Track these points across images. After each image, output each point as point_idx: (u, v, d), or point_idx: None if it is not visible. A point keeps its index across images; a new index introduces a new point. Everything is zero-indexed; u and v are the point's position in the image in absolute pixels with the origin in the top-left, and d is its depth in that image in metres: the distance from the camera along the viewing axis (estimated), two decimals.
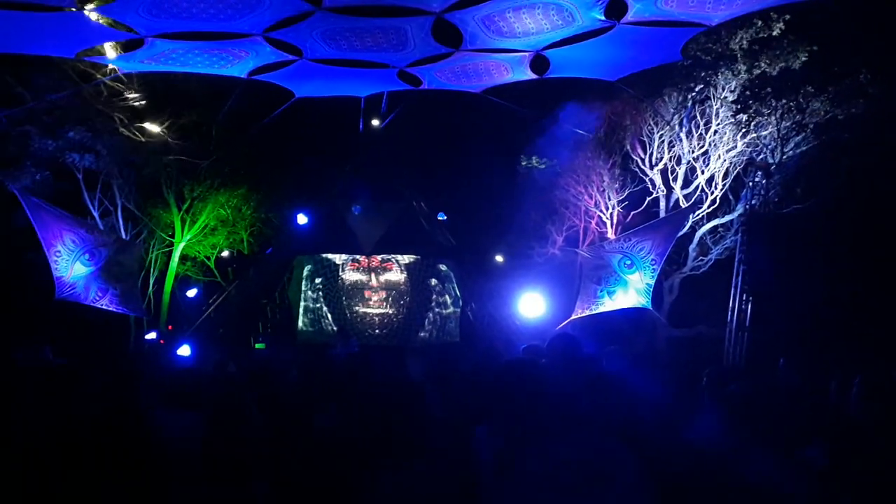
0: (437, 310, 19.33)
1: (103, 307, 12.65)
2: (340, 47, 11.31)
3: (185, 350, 12.76)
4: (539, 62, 12.14)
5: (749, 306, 13.89)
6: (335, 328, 18.80)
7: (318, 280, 19.55)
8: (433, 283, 19.40)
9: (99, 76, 14.08)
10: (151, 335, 15.67)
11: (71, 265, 12.05)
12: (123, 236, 16.06)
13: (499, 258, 18.81)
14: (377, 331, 19.19)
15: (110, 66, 12.96)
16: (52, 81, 14.17)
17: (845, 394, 5.47)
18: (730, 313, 14.13)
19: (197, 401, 5.12)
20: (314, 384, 6.71)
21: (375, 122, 18.62)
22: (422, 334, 18.78)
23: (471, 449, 3.90)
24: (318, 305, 19.47)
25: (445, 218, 19.70)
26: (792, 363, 8.32)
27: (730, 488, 3.56)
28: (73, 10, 9.35)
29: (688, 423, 4.49)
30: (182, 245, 17.21)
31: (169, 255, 17.39)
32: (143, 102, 15.22)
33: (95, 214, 16.19)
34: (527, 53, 11.78)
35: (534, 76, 12.94)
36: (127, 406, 3.62)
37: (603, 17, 9.88)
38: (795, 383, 7.19)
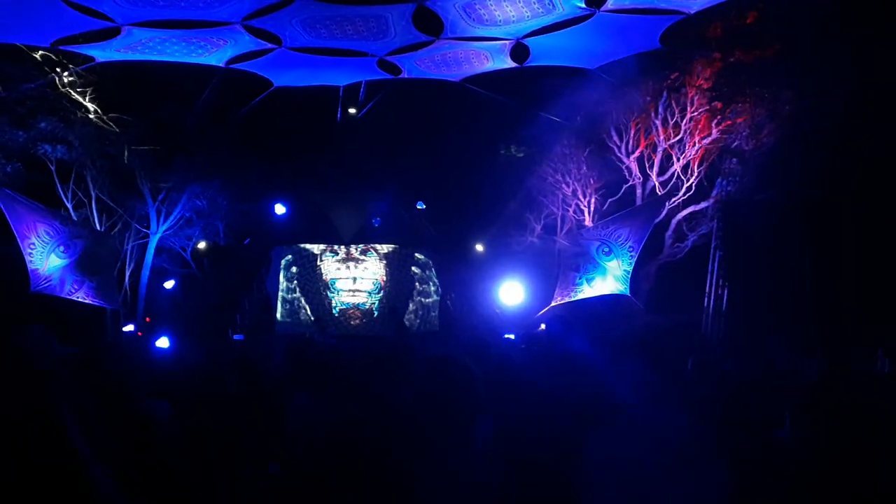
0: (418, 298, 19.31)
1: (79, 299, 12.51)
2: (320, 35, 11.27)
3: (163, 342, 12.66)
4: (519, 50, 12.19)
5: (725, 292, 14.07)
6: (313, 318, 18.72)
7: (294, 269, 19.44)
8: (415, 272, 19.36)
9: (73, 66, 13.86)
10: (129, 327, 15.51)
11: (46, 257, 11.91)
12: (98, 228, 15.85)
13: (478, 247, 18.82)
14: (356, 321, 19.14)
15: (86, 54, 12.77)
16: (24, 71, 13.91)
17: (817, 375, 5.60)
18: (706, 299, 14.31)
19: (178, 391, 5.09)
20: (296, 373, 6.69)
21: (353, 111, 18.53)
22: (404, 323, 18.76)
23: (469, 437, 3.93)
24: (295, 296, 19.37)
25: (424, 207, 19.67)
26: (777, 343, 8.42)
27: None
28: None
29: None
30: (158, 236, 17.03)
31: (144, 246, 17.20)
32: (118, 92, 15.00)
33: (69, 206, 15.91)
34: (507, 42, 11.81)
35: (514, 65, 12.99)
36: (124, 396, 3.61)
37: (583, 5, 9.94)
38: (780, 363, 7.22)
